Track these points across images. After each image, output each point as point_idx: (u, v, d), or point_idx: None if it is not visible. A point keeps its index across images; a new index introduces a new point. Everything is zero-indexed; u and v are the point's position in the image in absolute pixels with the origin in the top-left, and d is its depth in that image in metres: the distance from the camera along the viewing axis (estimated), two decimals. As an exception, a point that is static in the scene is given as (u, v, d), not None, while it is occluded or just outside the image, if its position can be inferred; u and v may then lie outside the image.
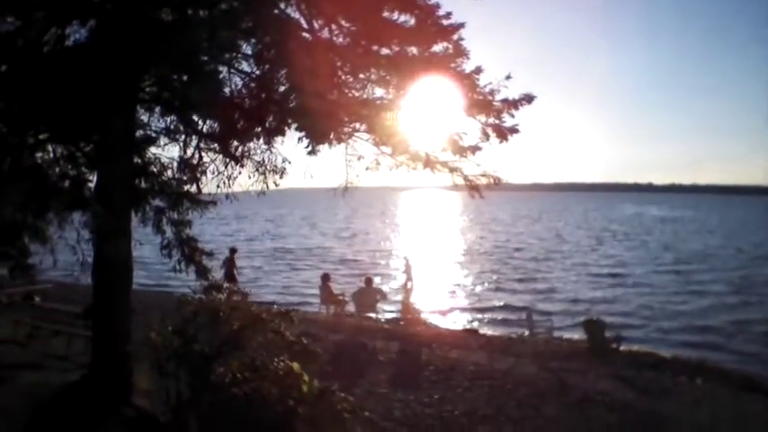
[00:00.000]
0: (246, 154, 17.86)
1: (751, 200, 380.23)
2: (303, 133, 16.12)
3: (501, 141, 18.06)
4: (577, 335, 30.09)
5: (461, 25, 17.06)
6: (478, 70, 17.47)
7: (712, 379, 24.76)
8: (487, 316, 39.71)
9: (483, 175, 18.39)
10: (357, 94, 17.10)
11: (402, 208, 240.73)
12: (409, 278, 38.40)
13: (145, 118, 16.77)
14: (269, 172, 18.07)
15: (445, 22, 16.92)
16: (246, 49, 16.09)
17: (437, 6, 16.75)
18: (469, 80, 17.43)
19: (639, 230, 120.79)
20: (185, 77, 15.17)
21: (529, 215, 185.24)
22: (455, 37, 17.14)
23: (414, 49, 17.15)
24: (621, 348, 28.30)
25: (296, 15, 15.84)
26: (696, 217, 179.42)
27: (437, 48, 17.28)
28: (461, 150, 18.05)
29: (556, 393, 19.45)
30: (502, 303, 43.53)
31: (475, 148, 18.07)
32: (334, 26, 16.03)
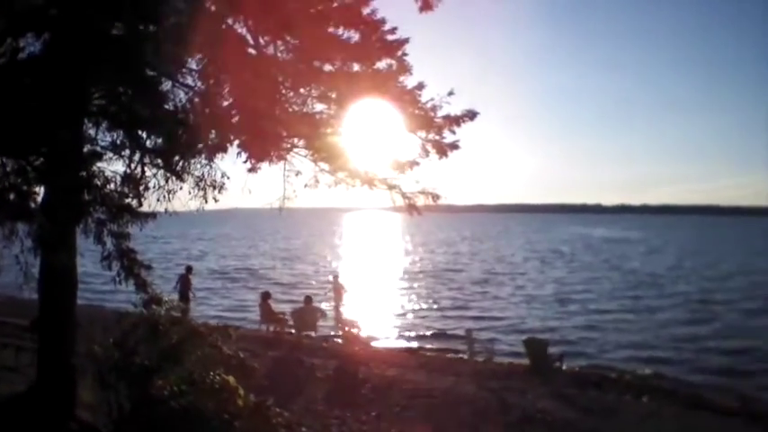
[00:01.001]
0: (187, 169, 18.05)
1: (702, 220, 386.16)
2: (244, 150, 16.44)
3: (441, 157, 18.44)
4: (518, 354, 30.34)
5: (406, 41, 17.39)
6: (420, 86, 17.84)
7: (658, 397, 25.11)
8: (427, 336, 40.14)
9: (422, 193, 18.78)
10: (297, 110, 17.38)
11: (345, 228, 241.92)
12: (338, 297, 38.63)
13: (92, 132, 17.00)
14: (208, 187, 18.26)
15: (390, 38, 17.23)
16: (192, 63, 16.24)
17: (382, 22, 17.03)
18: (411, 96, 17.81)
19: (584, 251, 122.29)
20: (131, 91, 15.43)
21: (472, 236, 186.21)
22: (399, 53, 17.48)
23: (357, 66, 17.53)
24: (564, 367, 28.89)
25: (242, 31, 16.08)
26: (645, 238, 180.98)
27: (381, 64, 17.59)
28: (400, 167, 18.43)
29: (496, 412, 19.67)
30: (442, 323, 43.99)
31: (413, 164, 18.48)
32: (279, 42, 16.32)
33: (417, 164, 18.65)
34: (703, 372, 31.96)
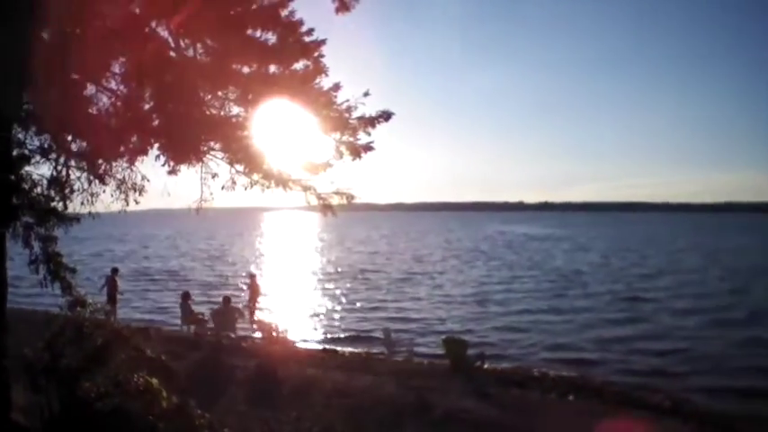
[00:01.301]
0: (109, 172, 18.31)
1: (625, 217, 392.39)
2: (163, 152, 16.81)
3: (354, 159, 18.94)
4: (438, 354, 30.85)
5: (323, 42, 17.88)
6: (336, 87, 18.33)
7: (584, 396, 25.72)
8: (346, 335, 40.64)
9: (336, 193, 19.32)
10: (215, 112, 17.76)
11: (264, 228, 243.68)
12: (253, 296, 38.92)
13: (21, 136, 17.23)
14: (129, 190, 18.59)
15: (307, 39, 17.73)
16: (115, 67, 16.52)
17: (300, 23, 17.52)
18: (327, 97, 18.30)
19: (506, 250, 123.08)
20: (56, 95, 15.70)
21: (391, 235, 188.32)
22: (316, 54, 17.98)
23: (274, 68, 17.99)
24: (486, 366, 29.31)
25: (164, 34, 16.36)
26: (568, 235, 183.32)
27: (298, 65, 18.10)
28: (314, 168, 18.94)
29: (417, 412, 20.09)
30: (360, 323, 44.65)
31: (326, 165, 19.00)
32: (199, 45, 16.70)
33: (331, 166, 19.18)
34: (630, 373, 32.11)
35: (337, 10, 17.37)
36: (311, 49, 17.92)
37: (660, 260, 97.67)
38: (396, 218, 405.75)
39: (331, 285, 66.79)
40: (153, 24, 16.16)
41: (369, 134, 18.97)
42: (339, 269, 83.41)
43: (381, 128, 18.54)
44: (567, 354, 35.81)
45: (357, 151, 19.27)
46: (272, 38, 17.42)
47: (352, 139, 19.03)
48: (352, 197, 19.96)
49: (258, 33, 17.16)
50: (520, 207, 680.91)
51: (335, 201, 19.80)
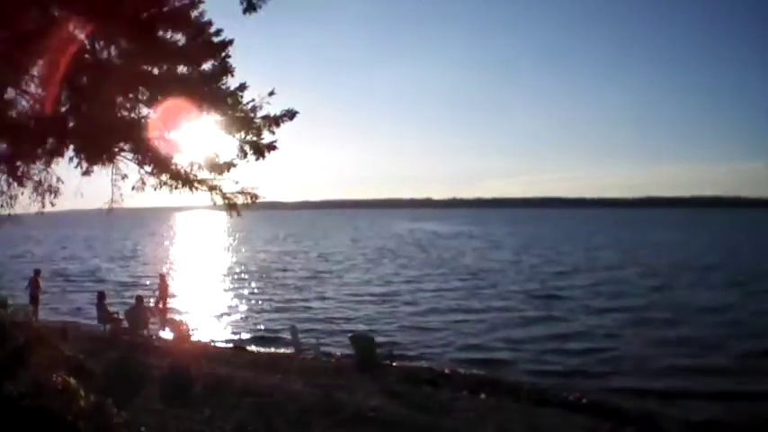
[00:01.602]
0: (27, 174, 18.73)
1: (536, 213, 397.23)
2: (78, 154, 17.35)
3: (258, 158, 19.62)
4: (346, 352, 31.60)
5: (230, 42, 18.61)
6: (242, 87, 19.01)
7: (497, 393, 26.19)
8: (254, 334, 41.36)
9: (241, 193, 20.03)
10: (126, 114, 18.34)
11: (177, 227, 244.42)
12: (163, 295, 39.39)
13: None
14: (46, 192, 19.00)
15: (216, 40, 18.44)
16: (34, 70, 16.99)
17: (209, 24, 18.22)
18: (233, 98, 19.01)
19: (414, 247, 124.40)
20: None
21: (298, 234, 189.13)
22: (223, 54, 18.69)
23: (183, 68, 18.65)
24: (395, 364, 30.06)
25: (81, 37, 16.79)
26: (479, 232, 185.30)
27: (207, 65, 18.80)
28: (219, 168, 19.63)
29: (326, 410, 20.19)
30: (268, 321, 45.51)
31: (230, 165, 19.70)
32: (113, 47, 17.25)
33: (234, 165, 19.84)
34: (545, 372, 32.36)
35: (245, 10, 18.01)
36: (219, 49, 18.60)
37: (576, 257, 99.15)
38: (303, 216, 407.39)
39: (239, 284, 67.94)
40: (70, 27, 16.71)
41: (273, 133, 19.68)
42: (247, 268, 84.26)
43: (288, 126, 19.24)
44: (479, 353, 36.14)
45: (261, 150, 19.89)
46: (182, 39, 18.09)
47: (256, 138, 19.67)
48: (257, 196, 20.63)
49: (169, 35, 17.82)
50: (427, 204, 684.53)
51: (240, 200, 20.52)
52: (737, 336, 39.71)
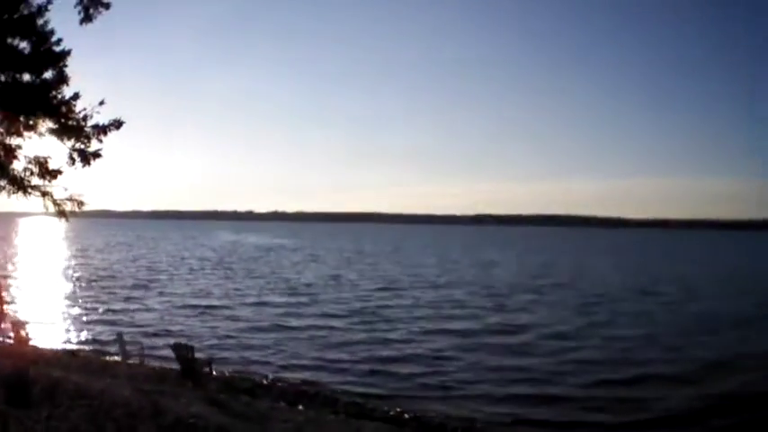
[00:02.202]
0: None
1: (364, 227, 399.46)
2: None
3: (84, 166, 20.79)
4: (170, 359, 31.90)
5: (68, 52, 19.77)
6: (76, 96, 20.13)
7: (316, 405, 27.39)
8: (86, 338, 42.58)
9: (69, 200, 21.23)
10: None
11: (14, 234, 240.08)
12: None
13: None
14: None
15: (56, 49, 19.61)
16: None
17: (52, 33, 19.38)
18: (67, 106, 20.20)
19: (235, 259, 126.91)
20: None
21: (126, 242, 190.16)
22: (62, 63, 19.85)
23: (28, 76, 19.73)
24: (214, 373, 30.87)
25: None
26: (296, 245, 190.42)
27: (48, 74, 19.95)
28: (48, 174, 20.79)
29: (150, 415, 20.81)
30: (99, 327, 46.49)
31: (57, 173, 20.87)
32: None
33: (61, 172, 20.99)
34: (367, 386, 32.71)
35: (82, 21, 19.18)
36: (59, 58, 19.74)
37: (402, 271, 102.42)
38: (133, 225, 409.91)
39: (73, 290, 68.66)
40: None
41: (101, 141, 20.93)
42: (81, 275, 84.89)
43: (122, 134, 20.45)
44: (298, 367, 36.29)
45: (87, 158, 21.07)
46: (27, 47, 19.20)
47: (83, 146, 20.92)
48: (83, 203, 21.78)
49: (17, 42, 18.91)
50: (250, 216, 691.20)
51: (69, 206, 21.72)
52: (574, 363, 39.90)
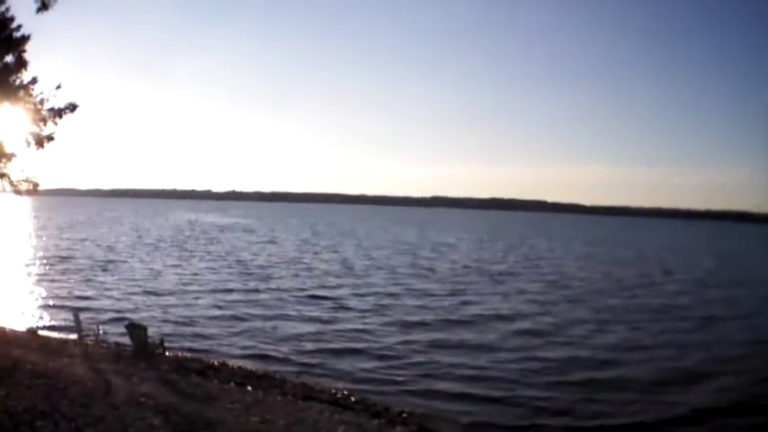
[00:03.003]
0: None
1: (324, 208, 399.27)
2: None
3: (38, 149, 21.53)
4: (124, 339, 32.52)
5: (28, 38, 20.36)
6: (34, 81, 20.80)
7: (264, 387, 27.73)
8: (44, 318, 43.03)
9: (25, 181, 21.90)
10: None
11: None
12: None
13: None
14: None
15: (16, 35, 20.18)
16: None
17: (11, 19, 19.94)
18: (25, 90, 20.81)
19: (192, 239, 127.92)
20: None
21: (86, 221, 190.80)
22: (21, 49, 20.43)
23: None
24: (168, 354, 31.57)
25: None
26: (253, 226, 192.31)
27: (8, 58, 20.52)
28: (4, 157, 21.42)
29: (103, 395, 21.61)
30: (57, 307, 46.92)
31: (11, 156, 21.51)
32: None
33: (15, 155, 21.70)
34: (315, 368, 33.48)
35: (38, 9, 19.72)
36: (19, 44, 20.33)
37: (356, 254, 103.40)
38: (93, 203, 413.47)
39: (30, 270, 69.09)
40: None
41: (56, 124, 21.57)
42: (39, 255, 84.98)
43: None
44: (250, 349, 37.33)
45: (41, 142, 21.80)
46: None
47: (38, 129, 21.58)
48: (38, 185, 22.56)
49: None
50: (207, 195, 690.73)
51: (24, 187, 22.42)
52: (524, 339, 42.38)
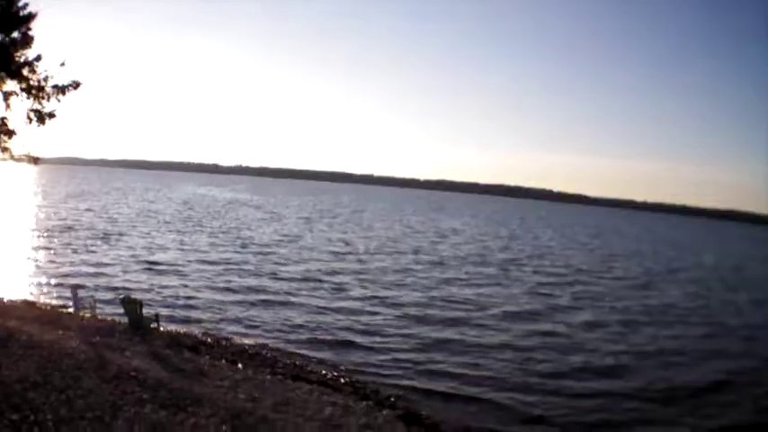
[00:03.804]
0: None
1: (322, 186, 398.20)
2: None
3: (40, 125, 21.96)
4: (120, 313, 33.08)
5: (35, 15, 20.73)
6: (38, 58, 21.17)
7: (255, 365, 28.08)
8: (41, 289, 42.80)
9: (26, 156, 22.38)
10: None
11: None
12: None
13: None
14: None
15: (23, 12, 20.58)
16: None
17: (18, -6, 20.29)
18: (30, 67, 21.21)
19: (198, 214, 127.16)
20: None
21: (96, 192, 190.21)
22: (27, 26, 20.83)
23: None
24: (162, 329, 31.83)
25: None
26: (259, 202, 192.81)
27: (16, 34, 20.93)
28: (7, 134, 21.89)
29: (95, 368, 21.93)
30: (55, 278, 46.62)
31: (11, 133, 21.97)
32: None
33: (15, 133, 22.17)
34: (309, 348, 33.53)
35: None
36: (26, 21, 20.72)
37: (358, 236, 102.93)
38: (101, 173, 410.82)
39: (31, 241, 69.00)
40: None
41: (59, 101, 21.98)
42: (41, 225, 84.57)
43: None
44: (245, 327, 37.38)
45: (43, 119, 22.24)
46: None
47: (40, 106, 22.01)
48: (38, 159, 23.08)
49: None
50: (214, 169, 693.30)
51: (26, 161, 22.93)
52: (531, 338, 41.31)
